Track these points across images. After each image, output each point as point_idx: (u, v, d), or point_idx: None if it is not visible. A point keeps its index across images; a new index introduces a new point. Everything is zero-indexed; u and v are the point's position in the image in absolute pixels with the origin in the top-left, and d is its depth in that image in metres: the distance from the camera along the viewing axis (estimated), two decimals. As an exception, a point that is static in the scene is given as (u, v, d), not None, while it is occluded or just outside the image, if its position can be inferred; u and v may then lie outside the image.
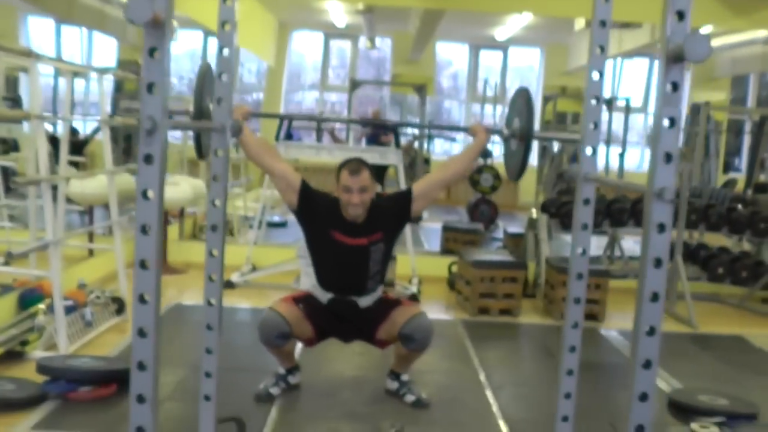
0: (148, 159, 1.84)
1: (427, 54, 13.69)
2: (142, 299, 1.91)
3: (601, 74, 2.45)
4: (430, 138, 13.72)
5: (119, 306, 5.14)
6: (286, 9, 12.34)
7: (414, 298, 6.09)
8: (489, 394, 4.15)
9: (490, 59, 14.74)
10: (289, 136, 12.95)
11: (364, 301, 3.86)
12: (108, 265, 5.37)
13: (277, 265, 6.75)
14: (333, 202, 3.78)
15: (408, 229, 6.63)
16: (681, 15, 1.77)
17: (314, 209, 3.80)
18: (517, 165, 3.32)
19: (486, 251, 6.96)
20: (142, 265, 1.89)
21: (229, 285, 6.42)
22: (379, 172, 7.08)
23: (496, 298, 5.83)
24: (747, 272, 6.55)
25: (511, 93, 13.75)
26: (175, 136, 8.68)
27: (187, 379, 4.02)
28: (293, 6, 11.69)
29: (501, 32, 12.41)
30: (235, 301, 6.05)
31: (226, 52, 2.49)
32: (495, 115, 12.20)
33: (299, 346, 4.11)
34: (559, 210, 6.43)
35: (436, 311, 5.96)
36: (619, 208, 6.55)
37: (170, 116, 2.31)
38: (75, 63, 5.27)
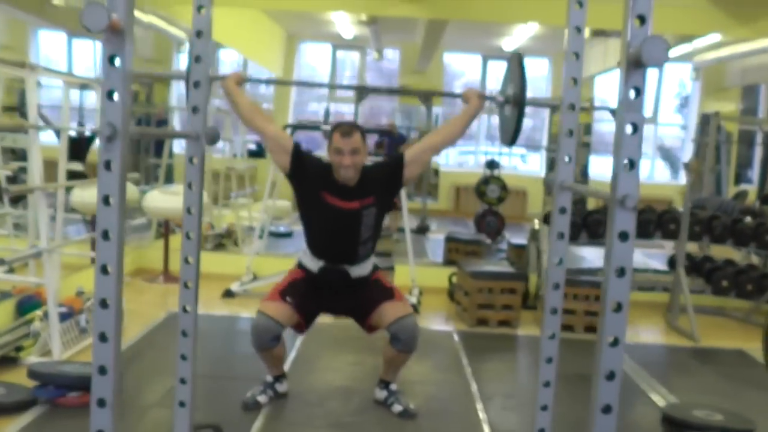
0: (107, 165, 1.84)
1: (435, 64, 13.70)
2: (103, 304, 1.91)
3: (576, 81, 2.44)
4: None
5: (115, 314, 5.15)
6: (293, 20, 12.39)
7: (413, 309, 6.07)
8: (478, 405, 4.11)
9: (501, 70, 14.71)
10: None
11: (356, 271, 3.83)
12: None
13: (277, 275, 6.73)
14: (326, 165, 3.77)
15: (410, 239, 6.64)
16: (642, 19, 1.76)
17: (306, 171, 3.78)
18: (511, 130, 3.26)
19: (487, 262, 6.94)
20: (104, 270, 1.89)
21: (229, 294, 6.43)
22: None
23: (495, 310, 5.80)
24: (752, 285, 6.47)
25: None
26: (182, 146, 8.71)
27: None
28: (300, 17, 11.73)
29: (508, 42, 12.39)
30: (234, 310, 6.06)
31: (201, 60, 2.49)
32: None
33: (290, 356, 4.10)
34: (585, 219, 6.37)
35: (435, 322, 5.95)
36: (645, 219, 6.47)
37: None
38: (76, 75, 5.29)
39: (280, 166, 3.83)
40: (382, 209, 3.86)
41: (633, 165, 1.80)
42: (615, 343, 1.87)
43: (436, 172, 13.46)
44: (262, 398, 3.96)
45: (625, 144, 1.79)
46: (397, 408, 3.92)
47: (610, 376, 1.89)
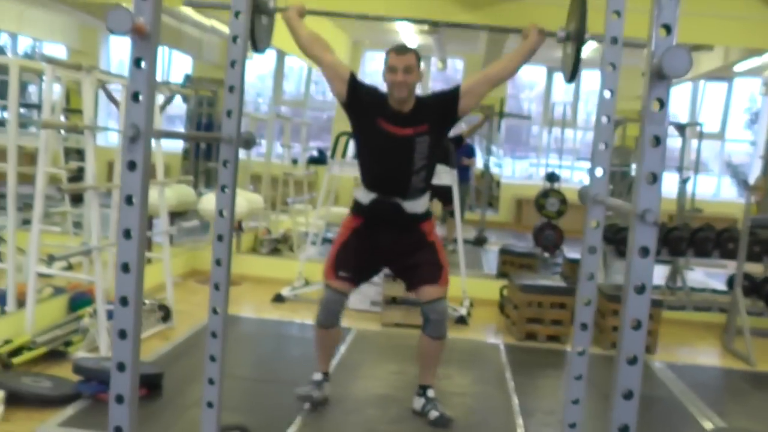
0: (131, 166, 1.87)
1: (501, 75, 13.60)
2: (123, 301, 1.94)
3: (612, 92, 2.40)
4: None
5: (165, 313, 5.25)
6: (358, 28, 12.45)
7: (462, 320, 6.04)
8: (518, 420, 4.06)
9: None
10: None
11: (408, 206, 3.84)
12: (160, 274, 5.48)
13: (329, 281, 6.77)
14: (381, 94, 3.83)
15: (462, 250, 6.61)
16: (668, 29, 1.72)
17: (362, 99, 3.82)
18: (570, 66, 3.20)
19: (539, 276, 6.85)
20: (125, 268, 1.92)
21: (279, 299, 6.48)
22: (448, 194, 7.02)
23: (544, 324, 5.73)
24: (814, 309, 6.29)
25: (584, 117, 13.48)
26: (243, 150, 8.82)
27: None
28: (365, 26, 11.78)
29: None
30: (283, 315, 6.10)
31: (236, 66, 2.52)
32: (567, 139, 12.04)
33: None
34: (615, 236, 6.30)
35: (483, 334, 5.90)
36: (678, 237, 6.36)
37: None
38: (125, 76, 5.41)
39: (336, 95, 3.88)
40: (436, 139, 3.83)
41: (655, 178, 1.76)
42: (633, 361, 1.83)
43: (498, 183, 13.36)
44: (315, 393, 4.03)
45: (647, 157, 1.75)
46: (434, 414, 3.91)
47: (628, 395, 1.85)
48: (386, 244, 3.90)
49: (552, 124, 11.85)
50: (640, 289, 1.80)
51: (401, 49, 3.76)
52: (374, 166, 3.88)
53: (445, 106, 3.82)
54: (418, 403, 4.01)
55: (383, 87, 3.80)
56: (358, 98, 3.82)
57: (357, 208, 3.95)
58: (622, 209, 2.03)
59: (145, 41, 1.82)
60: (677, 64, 1.63)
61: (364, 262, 3.96)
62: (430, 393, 4.01)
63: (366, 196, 3.89)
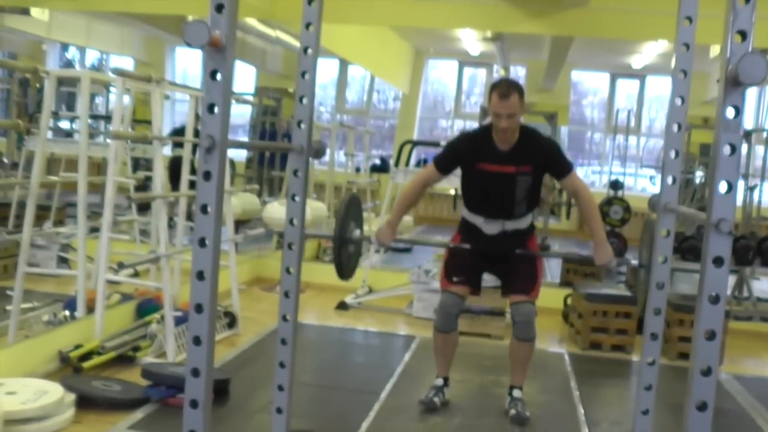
0: (207, 176, 1.91)
1: (563, 82, 13.50)
2: (198, 308, 1.97)
3: (683, 100, 2.37)
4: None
5: (231, 320, 5.33)
6: (421, 36, 12.48)
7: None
8: (584, 430, 4.03)
9: (630, 88, 14.41)
10: (424, 163, 13.09)
11: (512, 225, 3.99)
12: (226, 281, 5.56)
13: (391, 290, 6.80)
14: (479, 137, 3.99)
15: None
16: (743, 35, 1.70)
17: (460, 161, 4.01)
18: (643, 296, 3.10)
19: (603, 285, 6.77)
20: (200, 276, 1.96)
21: (343, 306, 6.52)
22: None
23: (609, 333, 5.66)
24: None
25: (647, 124, 13.24)
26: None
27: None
28: (428, 33, 11.80)
29: (638, 60, 12.11)
30: (347, 322, 6.14)
31: (307, 76, 2.55)
32: (631, 146, 11.89)
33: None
34: (680, 245, 6.20)
35: (547, 343, 5.85)
36: (744, 246, 6.24)
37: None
38: (197, 88, 5.51)
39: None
40: (537, 181, 3.97)
41: (730, 187, 1.73)
42: (708, 372, 1.80)
43: (561, 191, 13.24)
44: (437, 399, 4.17)
45: (722, 165, 1.73)
46: (512, 412, 4.07)
47: (702, 407, 1.82)
48: (494, 258, 4.07)
49: (615, 131, 11.68)
50: (715, 300, 1.77)
51: (504, 94, 3.75)
52: (477, 199, 4.04)
53: (552, 167, 3.96)
54: (507, 399, 4.17)
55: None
56: (456, 165, 4.02)
57: (464, 227, 4.12)
58: (695, 218, 2.00)
59: (220, 53, 1.86)
60: (754, 70, 1.60)
61: (474, 266, 4.11)
62: (516, 393, 4.16)
63: (472, 217, 4.06)
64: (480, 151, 3.91)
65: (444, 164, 4.02)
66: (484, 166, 3.90)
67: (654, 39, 9.33)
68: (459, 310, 4.11)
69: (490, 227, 3.99)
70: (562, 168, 3.94)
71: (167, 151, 7.51)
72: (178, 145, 6.96)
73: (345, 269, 3.28)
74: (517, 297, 4.02)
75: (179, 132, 7.49)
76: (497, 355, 5.29)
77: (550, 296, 6.80)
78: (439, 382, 4.23)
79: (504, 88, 3.77)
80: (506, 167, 3.87)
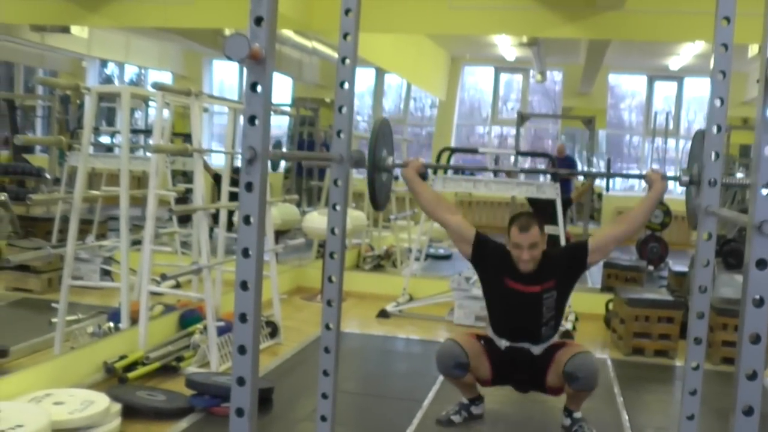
0: (249, 187, 1.93)
1: (600, 85, 13.42)
2: (243, 318, 2.00)
3: (723, 101, 2.35)
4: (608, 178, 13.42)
5: (273, 330, 5.37)
6: (457, 43, 12.49)
7: (567, 334, 5.97)
8: (628, 435, 4.01)
9: (667, 90, 14.28)
10: (462, 170, 13.09)
11: (538, 349, 3.90)
12: (267, 291, 5.60)
13: (431, 297, 6.80)
14: (507, 252, 3.87)
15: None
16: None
17: (488, 259, 3.91)
18: (692, 218, 3.07)
19: (645, 289, 6.72)
20: (243, 286, 1.98)
21: (384, 314, 6.53)
22: (548, 210, 6.92)
23: (651, 338, 5.61)
24: None
25: (686, 126, 13.12)
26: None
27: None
28: (463, 40, 11.81)
29: (675, 62, 12.00)
30: (388, 330, 6.15)
31: (346, 86, 2.57)
32: (669, 149, 11.79)
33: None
34: (722, 248, 6.13)
35: (590, 349, 5.78)
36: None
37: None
38: (235, 100, 5.57)
39: (462, 253, 3.98)
40: (563, 293, 3.91)
41: (773, 189, 1.72)
42: (753, 376, 1.79)
43: (599, 195, 13.16)
44: (456, 417, 4.07)
45: (763, 166, 1.72)
46: None
47: (749, 412, 1.80)
48: (515, 371, 3.96)
49: (653, 133, 11.59)
50: (759, 303, 1.76)
51: (524, 227, 3.76)
52: (503, 318, 3.95)
53: (573, 262, 3.88)
54: (566, 422, 4.02)
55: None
56: (483, 257, 3.91)
57: (490, 343, 3.99)
58: (738, 221, 1.99)
59: (260, 66, 1.88)
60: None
61: (502, 359, 3.94)
62: (577, 414, 4.00)
63: (499, 342, 3.95)
64: (506, 264, 3.84)
65: (479, 238, 3.90)
66: (508, 281, 3.84)
67: (691, 40, 9.26)
68: (456, 363, 3.87)
69: (516, 355, 3.89)
70: (581, 251, 3.84)
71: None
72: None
73: (379, 198, 3.12)
74: (567, 354, 3.79)
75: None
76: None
77: (592, 301, 6.78)
78: (465, 400, 4.13)
79: (523, 221, 3.79)
80: (531, 287, 3.82)
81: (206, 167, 6.62)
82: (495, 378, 3.99)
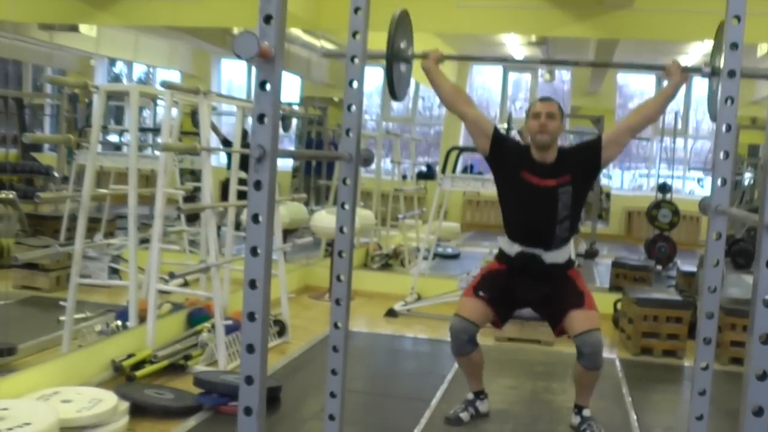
0: (257, 185, 1.93)
1: (608, 85, 13.39)
2: (251, 317, 1.99)
3: (733, 100, 2.34)
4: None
5: (281, 328, 5.37)
6: (465, 42, 12.45)
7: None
8: (637, 435, 4.00)
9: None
10: (470, 169, 13.08)
11: (550, 257, 3.85)
12: (275, 290, 5.61)
13: (439, 296, 6.80)
14: (523, 147, 3.92)
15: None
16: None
17: (505, 153, 3.89)
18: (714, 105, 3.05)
19: (653, 289, 6.70)
20: (252, 284, 1.98)
21: (392, 313, 6.53)
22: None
23: (660, 338, 5.60)
24: None
25: (694, 125, 13.04)
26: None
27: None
28: (472, 39, 11.78)
29: (684, 61, 11.93)
30: (396, 330, 6.15)
31: (355, 84, 2.57)
32: (678, 148, 11.75)
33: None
34: (731, 248, 6.11)
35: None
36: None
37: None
38: (243, 99, 5.58)
39: (480, 149, 3.96)
40: (579, 190, 3.86)
41: (784, 189, 1.71)
42: (763, 376, 1.78)
43: (608, 195, 13.13)
44: (464, 415, 4.07)
45: (775, 167, 1.71)
46: None
47: (758, 412, 1.80)
48: (527, 291, 3.93)
49: (662, 133, 11.56)
50: (770, 303, 1.75)
51: (545, 98, 3.86)
52: (518, 217, 3.92)
53: (588, 156, 3.86)
54: (575, 420, 4.03)
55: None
56: (501, 151, 3.88)
57: (501, 256, 4.00)
58: (748, 220, 1.98)
59: (269, 64, 1.88)
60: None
61: (507, 290, 3.94)
62: (586, 413, 4.00)
63: (510, 247, 3.93)
64: (523, 158, 3.84)
65: (498, 133, 3.90)
66: (525, 175, 3.80)
67: (700, 39, 9.21)
68: (470, 336, 3.91)
69: (529, 261, 3.86)
70: (595, 145, 3.84)
71: (214, 162, 7.60)
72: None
73: (398, 87, 3.10)
74: (575, 319, 3.78)
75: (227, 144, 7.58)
76: (548, 361, 5.27)
77: (600, 301, 6.65)
78: (470, 396, 4.15)
79: (544, 97, 3.88)
80: (547, 180, 3.78)
81: (215, 129, 6.63)
82: (502, 316, 4.03)
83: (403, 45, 3.07)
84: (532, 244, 3.86)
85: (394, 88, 3.07)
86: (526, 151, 3.84)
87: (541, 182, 3.78)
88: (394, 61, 3.00)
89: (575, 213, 3.87)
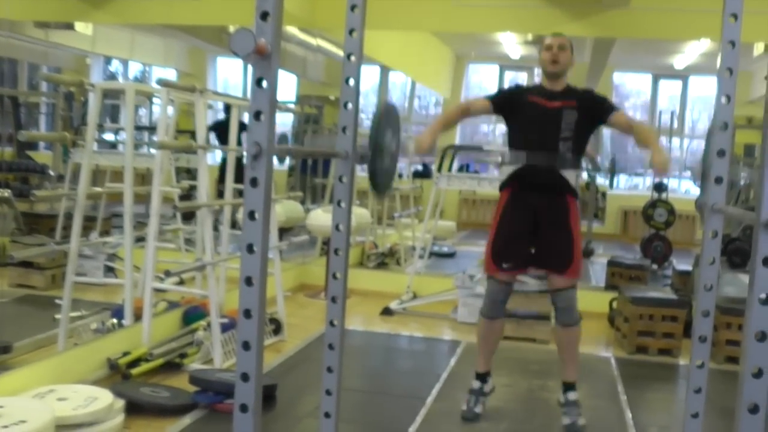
0: (254, 182, 1.93)
1: (604, 84, 13.37)
2: (247, 314, 1.99)
3: (729, 98, 2.35)
4: (613, 174, 13.40)
5: (276, 326, 5.37)
6: (461, 41, 12.47)
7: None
8: (632, 434, 4.00)
9: (672, 89, 14.25)
10: (466, 168, 13.08)
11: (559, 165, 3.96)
12: (271, 288, 5.61)
13: (435, 295, 6.80)
14: (529, 85, 4.21)
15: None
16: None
17: (511, 101, 4.05)
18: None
19: (649, 288, 6.71)
20: (248, 281, 1.97)
21: (387, 312, 6.53)
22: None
23: (655, 337, 5.61)
24: None
25: (690, 125, 13.08)
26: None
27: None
28: (468, 38, 11.79)
29: (680, 60, 11.97)
30: (392, 328, 6.15)
31: (351, 82, 2.57)
32: (674, 148, 11.77)
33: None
34: (726, 247, 6.12)
35: (593, 347, 5.80)
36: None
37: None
38: (239, 97, 5.58)
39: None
40: (582, 120, 3.93)
41: (779, 186, 1.71)
42: (759, 374, 1.78)
43: (604, 194, 13.15)
44: (478, 409, 4.13)
45: (770, 164, 1.71)
46: (565, 420, 4.01)
47: (754, 410, 1.79)
48: (537, 207, 3.98)
49: (658, 132, 11.57)
50: (765, 301, 1.75)
51: (557, 33, 4.07)
52: (524, 134, 4.02)
53: (597, 107, 4.01)
54: (561, 397, 4.12)
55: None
56: (506, 105, 4.05)
57: (507, 178, 4.06)
58: (743, 218, 1.98)
59: (266, 61, 1.88)
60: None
61: (521, 243, 4.03)
62: (571, 396, 4.07)
63: (516, 159, 4.02)
64: (531, 90, 4.07)
65: (496, 97, 4.07)
66: (532, 98, 3.96)
67: (697, 38, 9.23)
68: (507, 296, 4.10)
69: (537, 168, 3.95)
70: (608, 106, 4.01)
71: (210, 160, 7.59)
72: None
73: (381, 182, 3.10)
74: (555, 279, 3.99)
75: (220, 124, 7.59)
76: (543, 359, 5.27)
77: (596, 300, 6.77)
78: (476, 384, 4.18)
79: (555, 33, 4.08)
80: (553, 102, 3.92)
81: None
82: (524, 261, 4.08)
83: (388, 136, 3.09)
84: (539, 149, 3.97)
85: (377, 181, 3.11)
86: (533, 85, 4.09)
87: (548, 103, 3.94)
88: (378, 153, 3.02)
89: (578, 137, 3.94)
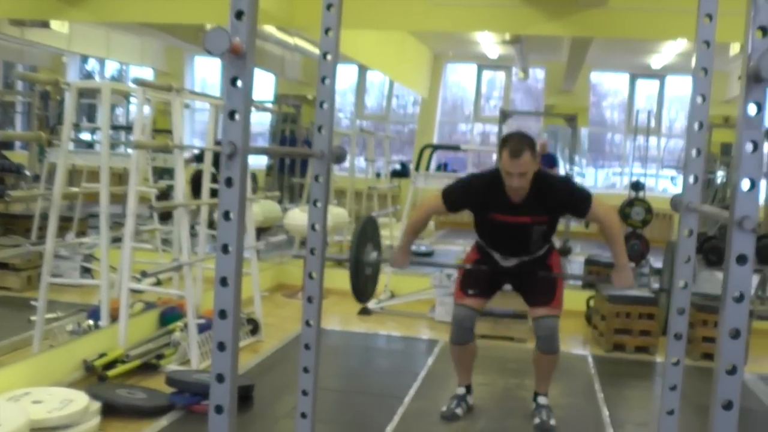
0: (228, 182, 1.92)
1: (582, 84, 13.47)
2: (222, 314, 1.98)
3: (704, 98, 2.36)
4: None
5: (254, 327, 5.35)
6: (439, 41, 12.48)
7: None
8: (609, 431, 4.01)
9: (649, 88, 14.35)
10: (444, 167, 13.09)
11: (528, 258, 3.96)
12: (248, 288, 5.58)
13: (413, 294, 6.81)
14: (490, 185, 3.80)
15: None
16: (764, 30, 1.68)
17: (468, 203, 3.95)
18: (663, 321, 3.12)
19: (626, 286, 6.72)
20: (223, 282, 1.96)
21: (365, 312, 6.52)
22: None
23: (632, 335, 5.64)
24: None
25: (667, 124, 13.15)
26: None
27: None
28: (446, 38, 11.81)
29: (657, 60, 12.05)
30: (370, 328, 6.15)
31: (327, 81, 2.56)
32: (651, 147, 11.83)
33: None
34: (702, 245, 6.16)
35: (570, 345, 5.82)
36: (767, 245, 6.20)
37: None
38: (216, 97, 5.54)
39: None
40: (554, 225, 3.97)
41: (753, 185, 1.72)
42: (733, 371, 1.79)
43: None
44: (459, 410, 4.14)
45: (744, 163, 1.71)
46: (536, 420, 4.04)
47: (728, 406, 1.80)
48: (508, 272, 4.02)
49: (635, 132, 11.64)
50: (739, 298, 1.76)
51: (515, 152, 3.60)
52: (491, 242, 4.00)
53: (570, 209, 3.96)
54: (534, 402, 4.17)
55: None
56: (464, 206, 3.99)
57: (480, 249, 4.08)
58: (718, 217, 1.99)
59: (240, 60, 1.87)
60: (775, 67, 1.59)
61: (489, 280, 4.06)
62: (542, 400, 4.14)
63: (487, 248, 4.03)
64: (492, 201, 3.79)
65: (452, 203, 3.89)
66: (497, 216, 3.81)
67: (673, 38, 9.29)
68: (473, 323, 4.05)
69: (507, 261, 3.98)
70: (581, 206, 3.79)
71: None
72: (198, 159, 7.02)
73: (363, 292, 3.33)
74: (538, 311, 3.95)
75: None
76: (520, 358, 5.28)
77: (573, 298, 6.76)
78: (461, 390, 4.22)
79: (515, 144, 3.62)
80: (521, 218, 3.77)
81: None
82: (491, 293, 4.12)
83: (368, 249, 3.26)
84: (510, 255, 3.97)
85: (359, 292, 3.30)
86: (496, 190, 3.76)
87: (515, 219, 3.78)
88: (359, 266, 3.11)
89: (550, 235, 3.97)
